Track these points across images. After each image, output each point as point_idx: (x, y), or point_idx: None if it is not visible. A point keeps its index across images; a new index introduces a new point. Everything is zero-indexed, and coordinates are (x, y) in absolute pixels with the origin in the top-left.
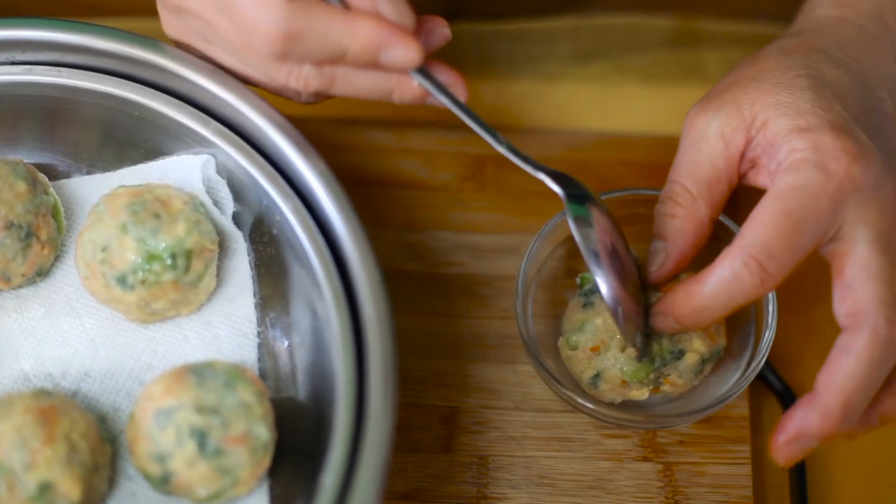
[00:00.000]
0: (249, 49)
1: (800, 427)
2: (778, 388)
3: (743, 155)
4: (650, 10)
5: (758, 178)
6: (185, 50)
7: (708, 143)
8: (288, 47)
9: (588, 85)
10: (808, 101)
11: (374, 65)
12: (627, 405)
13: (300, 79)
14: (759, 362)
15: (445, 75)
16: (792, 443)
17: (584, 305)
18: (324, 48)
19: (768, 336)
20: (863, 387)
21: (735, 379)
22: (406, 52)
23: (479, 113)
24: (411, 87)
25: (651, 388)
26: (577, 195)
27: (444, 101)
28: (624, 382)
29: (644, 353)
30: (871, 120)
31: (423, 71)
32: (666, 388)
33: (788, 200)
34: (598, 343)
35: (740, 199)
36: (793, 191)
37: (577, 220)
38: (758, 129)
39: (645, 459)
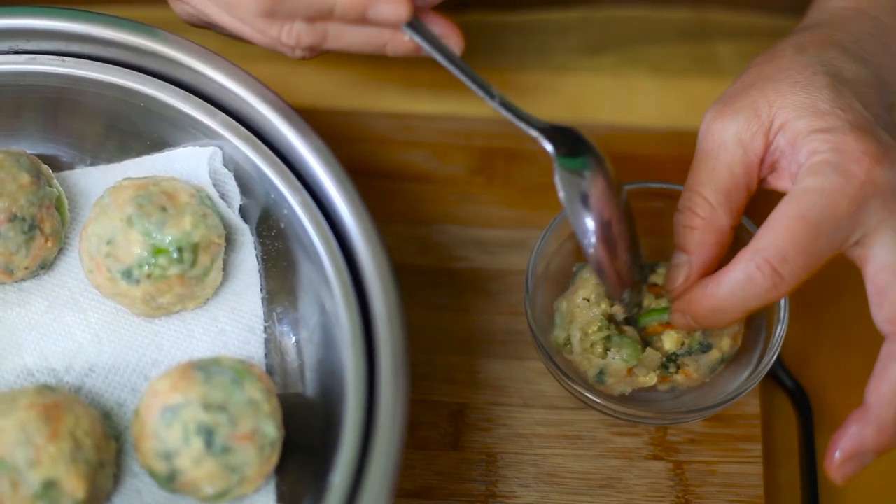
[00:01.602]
0: (239, 5)
1: (855, 443)
2: (789, 387)
3: (762, 160)
4: (662, 2)
5: (778, 182)
6: (181, 8)
7: (726, 149)
8: (275, 5)
9: (598, 77)
10: (826, 101)
11: (362, 20)
12: (638, 401)
13: (292, 34)
14: (771, 358)
15: (439, 27)
16: (849, 461)
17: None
18: (311, 5)
19: (780, 331)
20: None
21: (746, 375)
22: (394, 7)
23: (486, 106)
24: (403, 41)
25: (658, 373)
26: (574, 152)
27: (435, 55)
28: (630, 371)
29: (630, 312)
30: (891, 117)
31: (415, 24)
32: (679, 378)
33: (805, 204)
34: (567, 334)
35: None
36: (810, 194)
37: (566, 170)
38: (776, 132)
39: (655, 458)
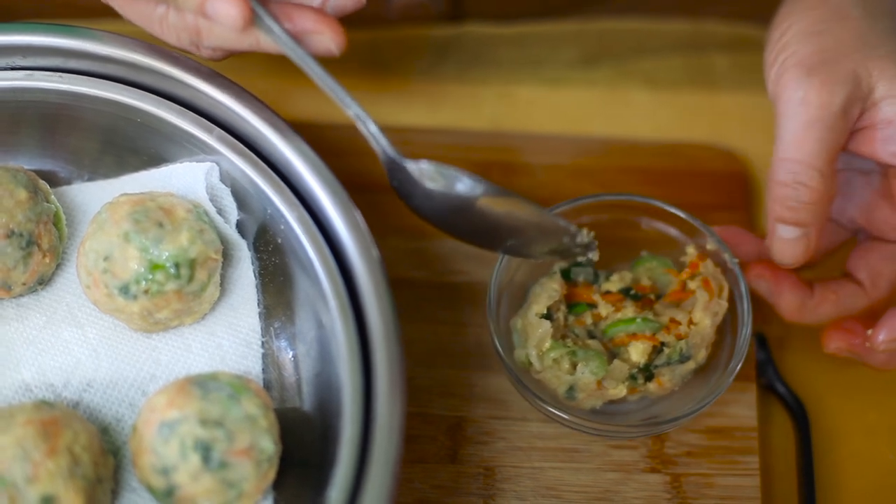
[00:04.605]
0: None
1: None
2: (787, 399)
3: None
4: (657, 14)
5: (862, 147)
6: None
7: (835, 119)
8: None
9: (593, 90)
10: None
11: (204, 15)
12: (609, 414)
13: (168, 27)
14: (738, 363)
15: (312, 22)
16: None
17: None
18: None
19: (745, 335)
20: None
21: (714, 380)
22: (228, 7)
23: (482, 118)
24: (270, 43)
25: (627, 384)
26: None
27: (291, 55)
28: (599, 384)
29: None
30: None
31: (270, 22)
32: (651, 387)
33: None
34: (525, 344)
35: None
36: None
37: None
38: (873, 103)
39: (653, 471)
